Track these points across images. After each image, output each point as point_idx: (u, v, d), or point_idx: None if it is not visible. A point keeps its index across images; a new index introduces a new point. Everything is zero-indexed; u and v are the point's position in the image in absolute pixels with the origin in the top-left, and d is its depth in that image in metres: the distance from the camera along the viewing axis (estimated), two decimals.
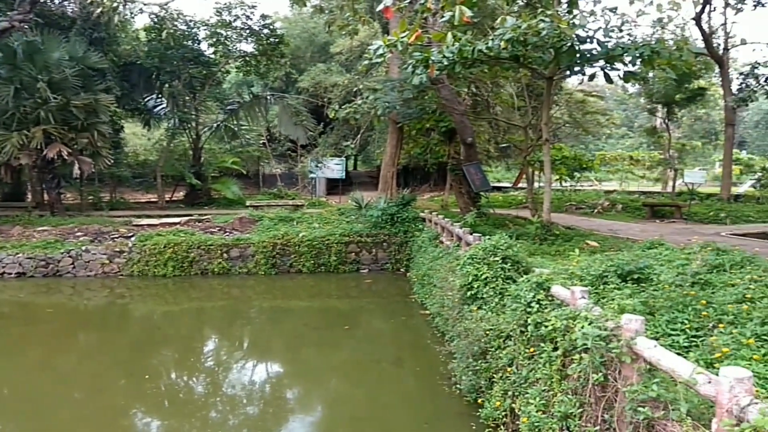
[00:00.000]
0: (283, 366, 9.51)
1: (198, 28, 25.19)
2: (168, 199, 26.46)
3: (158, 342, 10.72)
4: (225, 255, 15.89)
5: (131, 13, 25.88)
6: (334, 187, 30.84)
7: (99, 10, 19.25)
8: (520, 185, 27.02)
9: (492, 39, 10.31)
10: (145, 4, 23.39)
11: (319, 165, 28.17)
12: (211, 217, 18.65)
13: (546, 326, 5.41)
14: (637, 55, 10.55)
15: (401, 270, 16.06)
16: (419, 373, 8.52)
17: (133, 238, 16.26)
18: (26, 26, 18.73)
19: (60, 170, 19.97)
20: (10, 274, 15.25)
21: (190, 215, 19.23)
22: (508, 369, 6.01)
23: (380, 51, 10.64)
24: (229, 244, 16.05)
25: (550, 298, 5.95)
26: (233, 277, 15.67)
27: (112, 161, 21.28)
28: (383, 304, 13.33)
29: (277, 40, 25.41)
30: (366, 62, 12.81)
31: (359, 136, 28.07)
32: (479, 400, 6.49)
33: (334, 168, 29.39)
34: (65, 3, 24.03)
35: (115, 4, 20.77)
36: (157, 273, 15.42)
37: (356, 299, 14.15)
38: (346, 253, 16.25)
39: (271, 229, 16.85)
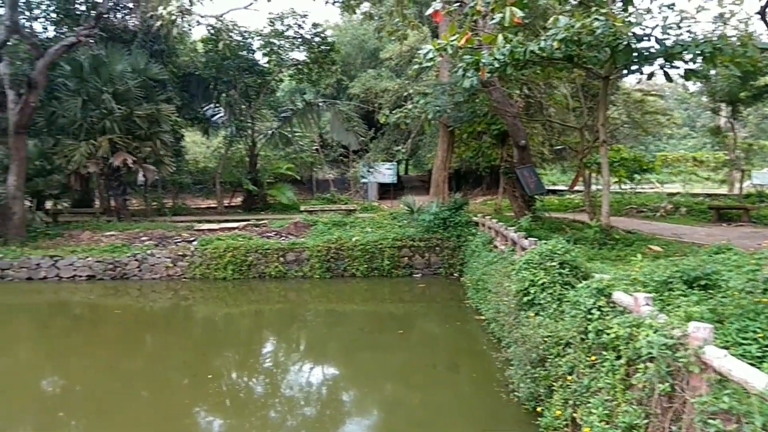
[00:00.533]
0: (339, 369, 9.64)
1: (252, 38, 25.94)
2: (227, 204, 27.34)
3: (219, 343, 11.08)
4: (281, 259, 16.27)
5: (189, 25, 26.92)
6: (385, 191, 31.02)
7: (159, 23, 20.12)
8: (576, 188, 26.36)
9: (544, 39, 10.16)
10: (202, 17, 24.27)
11: (371, 170, 28.42)
12: (268, 222, 19.14)
13: (608, 334, 5.28)
14: (698, 52, 10.16)
15: (454, 275, 15.98)
16: (475, 379, 8.46)
17: (194, 243, 16.90)
18: (91, 41, 19.74)
19: (125, 178, 20.99)
20: (81, 276, 16.14)
21: (248, 220, 19.82)
22: (569, 377, 5.89)
23: (430, 55, 10.64)
24: (285, 248, 16.42)
25: (611, 305, 5.81)
26: (289, 280, 16.02)
27: (174, 169, 22.22)
28: (437, 309, 13.31)
29: (328, 47, 25.85)
30: (416, 67, 12.83)
31: (410, 140, 28.11)
32: (538, 409, 6.38)
33: (386, 173, 29.57)
34: (127, 17, 25.22)
35: (173, 17, 21.66)
36: (218, 276, 15.98)
37: (410, 303, 14.18)
38: (399, 258, 16.32)
39: (325, 234, 17.14)
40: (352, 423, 7.40)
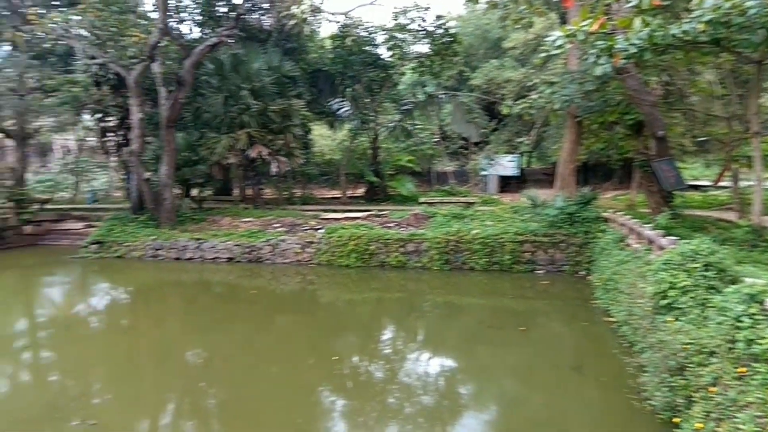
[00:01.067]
0: (458, 361, 9.65)
1: (376, 33, 26.51)
2: (350, 195, 28.36)
3: (343, 327, 11.59)
4: (401, 249, 16.59)
5: (318, 23, 28.11)
6: (506, 184, 30.36)
7: (292, 22, 21.22)
8: (722, 184, 23.97)
9: (688, 21, 9.32)
10: (332, 14, 25.28)
11: (492, 162, 27.93)
12: (388, 213, 19.56)
13: (760, 344, 4.81)
14: None
15: (581, 273, 15.25)
16: (604, 383, 8.03)
17: (321, 231, 17.76)
18: (231, 40, 21.33)
19: (260, 168, 22.53)
20: (222, 258, 17.65)
21: (370, 210, 20.41)
22: (712, 388, 5.43)
23: (559, 42, 10.21)
24: (405, 239, 16.70)
25: (765, 313, 5.26)
26: (409, 270, 16.30)
27: (304, 160, 23.46)
28: (561, 308, 12.81)
29: (450, 39, 25.71)
30: (543, 55, 12.35)
31: (534, 132, 27.24)
32: (675, 420, 5.95)
33: (507, 165, 28.95)
34: (262, 17, 26.87)
35: (305, 16, 22.78)
36: (341, 263, 16.70)
37: (532, 300, 13.79)
38: (521, 253, 15.90)
39: (444, 226, 17.17)
40: (470, 416, 7.40)
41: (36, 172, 35.49)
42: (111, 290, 15.53)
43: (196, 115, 23.01)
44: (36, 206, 22.68)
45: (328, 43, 28.86)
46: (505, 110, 19.47)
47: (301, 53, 26.65)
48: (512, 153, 29.50)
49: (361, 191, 29.42)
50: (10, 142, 28.50)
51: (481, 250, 15.99)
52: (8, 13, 19.72)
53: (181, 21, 26.15)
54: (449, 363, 9.65)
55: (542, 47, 12.16)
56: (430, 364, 9.44)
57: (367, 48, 26.51)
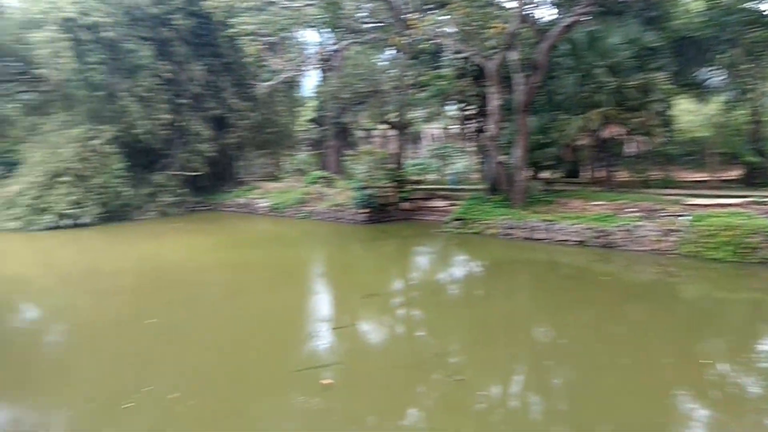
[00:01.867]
0: None
1: None
2: (721, 178, 24.63)
3: (708, 328, 10.28)
4: None
5: None
6: None
7: None
8: None
9: None
10: None
11: None
12: None
13: None
14: None
15: None
16: None
17: (685, 217, 15.94)
18: (587, 17, 20.57)
19: (613, 149, 21.50)
20: (571, 241, 17.57)
21: (749, 196, 17.29)
22: None
23: None
24: None
25: None
26: None
27: (665, 139, 21.38)
28: None
29: None
30: None
31: None
32: None
33: None
34: None
35: None
36: (711, 256, 14.64)
37: None
38: None
39: None
40: None
41: (410, 157, 41.79)
42: (468, 262, 17.23)
43: (548, 98, 23.26)
44: (410, 186, 26.66)
45: (695, 6, 25.25)
46: None
47: (663, 21, 24.03)
48: None
49: (735, 173, 25.15)
50: (392, 132, 34.26)
51: None
52: (393, 21, 23.38)
53: (537, 6, 26.51)
54: None
55: None
56: None
57: (745, 6, 22.20)
